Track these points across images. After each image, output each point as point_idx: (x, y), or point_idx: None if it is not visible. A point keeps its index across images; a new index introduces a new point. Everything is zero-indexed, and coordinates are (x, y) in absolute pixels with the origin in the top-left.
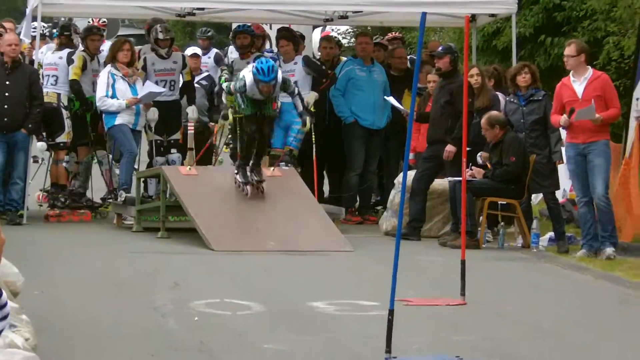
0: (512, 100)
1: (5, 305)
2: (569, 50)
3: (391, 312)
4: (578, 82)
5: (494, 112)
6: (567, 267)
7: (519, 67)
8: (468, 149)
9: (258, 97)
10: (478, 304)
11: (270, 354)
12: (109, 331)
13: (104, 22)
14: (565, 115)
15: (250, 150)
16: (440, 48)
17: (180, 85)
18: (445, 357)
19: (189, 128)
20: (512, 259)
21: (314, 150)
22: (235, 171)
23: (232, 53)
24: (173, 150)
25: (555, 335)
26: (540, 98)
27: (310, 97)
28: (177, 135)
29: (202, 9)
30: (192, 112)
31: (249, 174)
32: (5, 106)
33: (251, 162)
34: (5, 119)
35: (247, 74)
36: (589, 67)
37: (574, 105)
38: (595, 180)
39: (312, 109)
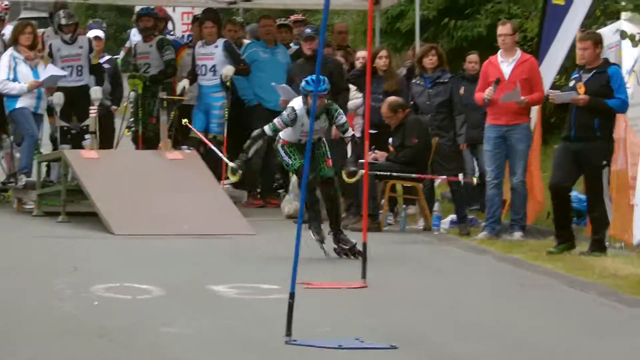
0: (418, 82)
1: None
2: (505, 29)
3: (292, 296)
4: (506, 63)
5: (392, 98)
6: (468, 250)
7: (426, 49)
8: (372, 131)
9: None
10: (379, 287)
11: (169, 338)
12: (7, 316)
13: (7, 5)
14: (490, 87)
15: (318, 214)
16: (308, 30)
17: (87, 70)
18: (345, 340)
19: (91, 110)
20: (413, 241)
21: (226, 131)
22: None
23: (135, 36)
24: (87, 137)
25: (456, 317)
26: (446, 80)
27: (228, 70)
28: (89, 121)
29: None
30: (95, 93)
31: (340, 244)
32: None
33: (329, 231)
34: None
35: (295, 103)
36: (518, 49)
37: (500, 86)
38: (516, 164)
39: (228, 84)
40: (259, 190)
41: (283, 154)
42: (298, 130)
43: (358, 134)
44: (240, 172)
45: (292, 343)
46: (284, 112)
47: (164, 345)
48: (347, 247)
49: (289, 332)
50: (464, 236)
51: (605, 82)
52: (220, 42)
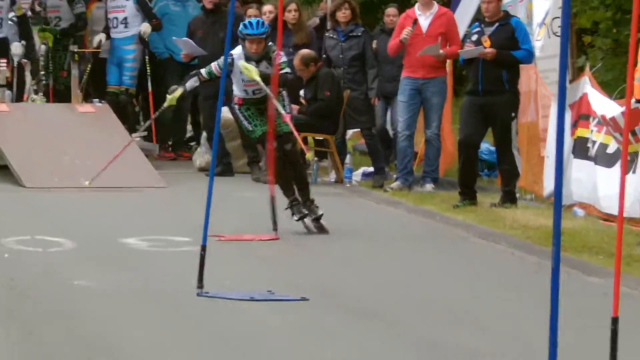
0: (331, 35)
1: None
2: None
3: (203, 248)
4: (424, 17)
5: (305, 51)
6: (380, 202)
7: (339, 2)
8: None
9: (251, 75)
10: (290, 240)
11: (80, 291)
12: None
13: None
14: (408, 28)
15: (285, 181)
16: None
17: (8, 23)
18: (257, 292)
19: (3, 64)
20: (325, 193)
21: (149, 85)
22: (289, 211)
23: None
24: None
25: (365, 268)
26: (359, 34)
27: (145, 27)
28: (2, 75)
29: None
30: (15, 48)
31: (303, 209)
32: None
33: (297, 195)
34: None
35: (234, 50)
36: (435, 2)
37: (417, 40)
38: (431, 117)
39: (146, 40)
40: (170, 143)
41: (242, 119)
42: (239, 79)
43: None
44: (179, 92)
45: (204, 295)
46: (212, 64)
47: (75, 297)
48: (315, 215)
49: (200, 284)
50: (377, 188)
51: (510, 34)
52: None
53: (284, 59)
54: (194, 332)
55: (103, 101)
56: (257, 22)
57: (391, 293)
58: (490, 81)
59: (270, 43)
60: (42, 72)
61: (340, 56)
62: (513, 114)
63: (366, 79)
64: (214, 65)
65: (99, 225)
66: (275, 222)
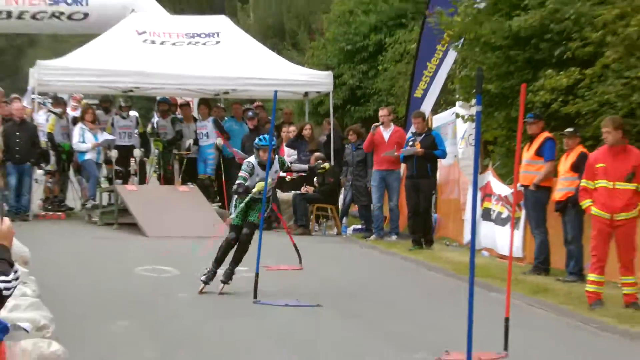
0: (348, 147)
1: (17, 271)
2: (385, 112)
3: (257, 275)
4: (386, 132)
5: (317, 153)
6: (363, 246)
7: (350, 128)
8: (304, 174)
9: (260, 176)
10: (309, 268)
11: (182, 300)
12: (88, 289)
13: (81, 96)
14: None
15: (224, 255)
16: (249, 113)
17: (134, 136)
18: (289, 300)
19: (133, 161)
20: (329, 241)
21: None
22: (206, 269)
23: (155, 117)
24: (131, 177)
25: (353, 284)
26: (361, 147)
27: (218, 140)
28: (132, 168)
29: (139, 88)
30: (137, 151)
31: (210, 279)
32: (17, 148)
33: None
34: (17, 156)
35: (250, 158)
36: (392, 123)
37: (382, 146)
38: (393, 195)
39: (220, 147)
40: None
41: (232, 205)
42: (255, 179)
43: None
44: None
45: (258, 303)
46: (243, 166)
47: (178, 304)
48: (223, 280)
49: (255, 296)
50: (362, 239)
51: (431, 141)
52: (210, 119)
53: (287, 164)
54: (251, 326)
55: (194, 184)
56: (268, 137)
57: (369, 297)
58: (420, 170)
59: (276, 155)
60: (156, 166)
61: (351, 159)
62: (433, 191)
63: (367, 174)
64: (241, 174)
65: (192, 258)
66: (299, 257)
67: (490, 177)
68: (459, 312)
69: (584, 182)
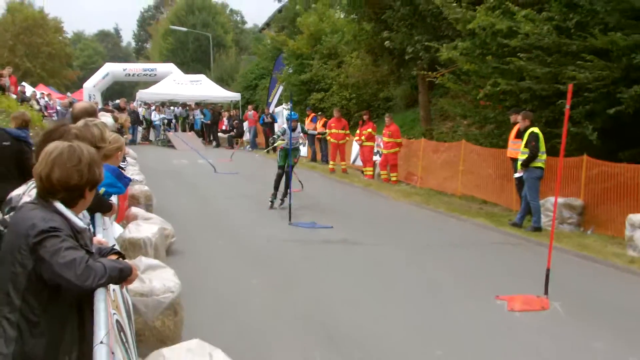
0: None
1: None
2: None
3: (290, 207)
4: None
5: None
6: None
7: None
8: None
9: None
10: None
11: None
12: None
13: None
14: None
15: (277, 183)
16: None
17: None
18: (312, 223)
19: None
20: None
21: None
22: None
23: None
24: None
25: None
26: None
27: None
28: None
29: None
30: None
31: (276, 200)
32: None
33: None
34: None
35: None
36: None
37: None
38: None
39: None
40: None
41: (278, 155)
42: (288, 137)
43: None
44: (279, 140)
45: (292, 224)
46: (279, 130)
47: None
48: (281, 202)
49: (290, 220)
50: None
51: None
52: (198, 110)
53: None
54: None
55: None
56: (293, 114)
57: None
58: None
59: (298, 124)
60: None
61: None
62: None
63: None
64: (278, 132)
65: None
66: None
67: None
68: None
69: None
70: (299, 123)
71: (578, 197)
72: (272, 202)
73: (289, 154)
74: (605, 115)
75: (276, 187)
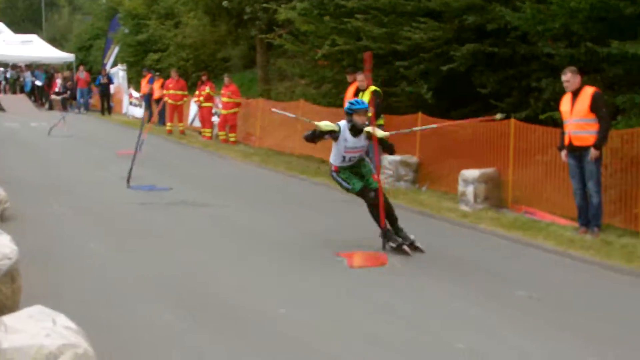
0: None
1: None
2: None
3: None
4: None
5: None
6: None
7: None
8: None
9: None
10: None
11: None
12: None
13: None
14: None
15: (379, 216)
16: None
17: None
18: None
19: None
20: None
21: None
22: (388, 241)
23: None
24: None
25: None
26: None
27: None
28: None
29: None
30: None
31: (398, 238)
32: None
33: (389, 227)
34: None
35: (340, 122)
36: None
37: None
38: None
39: None
40: None
41: (341, 181)
42: (341, 145)
43: None
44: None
45: (131, 187)
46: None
47: None
48: (408, 242)
49: (128, 183)
50: None
51: None
52: (29, 72)
53: (381, 133)
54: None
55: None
56: (359, 100)
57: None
58: None
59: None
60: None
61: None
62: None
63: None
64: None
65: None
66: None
67: None
68: None
69: None
70: (362, 116)
71: (413, 155)
72: (396, 243)
73: (361, 166)
74: (439, 75)
75: (379, 219)
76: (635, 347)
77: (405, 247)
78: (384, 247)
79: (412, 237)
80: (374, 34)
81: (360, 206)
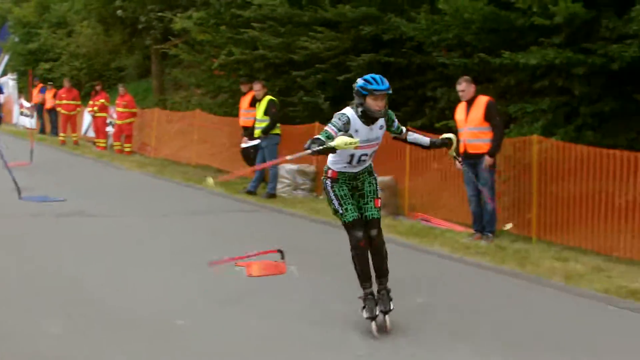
0: None
1: None
2: None
3: None
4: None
5: None
6: None
7: None
8: None
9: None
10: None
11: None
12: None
13: None
14: None
15: (364, 269)
16: None
17: None
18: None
19: None
20: None
21: None
22: (362, 305)
23: None
24: None
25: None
26: None
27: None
28: None
29: None
30: None
31: (374, 306)
32: None
33: (372, 290)
34: None
35: (346, 110)
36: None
37: None
38: None
39: None
40: None
41: (333, 198)
42: (360, 136)
43: None
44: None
45: (23, 199)
46: (333, 119)
47: None
48: (383, 309)
49: (19, 194)
50: None
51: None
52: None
53: (396, 125)
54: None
55: None
56: (381, 78)
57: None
58: None
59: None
60: None
61: None
62: None
63: None
64: (329, 128)
65: None
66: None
67: None
68: None
69: None
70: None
71: (311, 164)
72: (368, 300)
73: (365, 181)
74: (336, 84)
75: (363, 276)
76: (531, 350)
77: (374, 325)
78: (282, 258)
79: (391, 306)
80: (271, 44)
81: (259, 217)
